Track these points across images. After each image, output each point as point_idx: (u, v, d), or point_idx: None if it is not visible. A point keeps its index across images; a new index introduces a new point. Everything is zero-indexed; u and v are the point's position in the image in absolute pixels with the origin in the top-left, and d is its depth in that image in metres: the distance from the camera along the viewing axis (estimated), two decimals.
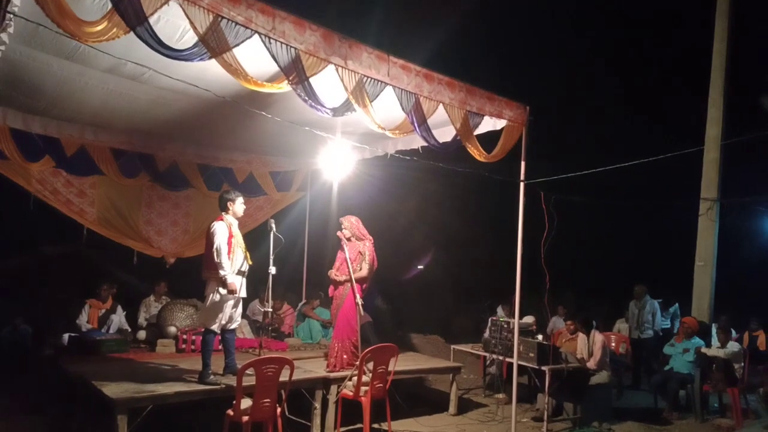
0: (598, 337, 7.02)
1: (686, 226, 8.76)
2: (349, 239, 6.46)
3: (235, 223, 5.53)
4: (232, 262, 5.35)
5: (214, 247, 5.25)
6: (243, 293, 5.52)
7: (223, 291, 5.26)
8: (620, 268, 14.29)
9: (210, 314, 5.38)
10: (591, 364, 6.81)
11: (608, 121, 16.84)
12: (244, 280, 5.51)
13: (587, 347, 6.93)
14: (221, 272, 5.21)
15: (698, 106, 8.69)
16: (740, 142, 7.96)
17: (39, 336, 7.49)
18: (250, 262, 5.56)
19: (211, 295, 5.34)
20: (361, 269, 6.40)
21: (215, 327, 5.39)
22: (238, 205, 5.57)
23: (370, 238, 6.59)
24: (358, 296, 6.25)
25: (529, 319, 8.31)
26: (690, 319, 8.01)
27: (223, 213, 5.53)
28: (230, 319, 5.51)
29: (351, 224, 6.51)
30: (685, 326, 7.83)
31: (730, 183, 8.33)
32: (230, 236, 5.37)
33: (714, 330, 8.24)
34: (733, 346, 7.51)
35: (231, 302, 5.42)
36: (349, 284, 6.32)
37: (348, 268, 6.24)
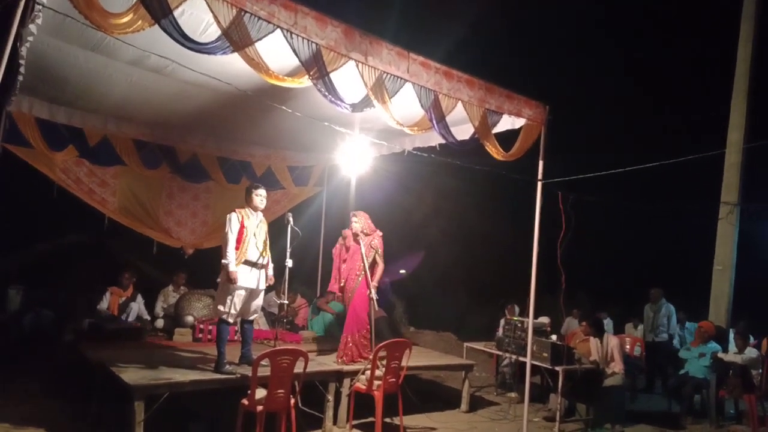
0: (613, 340, 6.94)
1: (704, 230, 8.67)
2: (357, 234, 6.51)
3: (253, 215, 5.58)
4: (242, 252, 5.40)
5: (222, 235, 5.37)
6: (262, 285, 5.58)
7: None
8: (636, 271, 14.15)
9: (220, 301, 5.47)
10: (616, 368, 6.72)
11: (629, 123, 16.68)
12: (262, 272, 5.55)
13: (599, 351, 6.88)
14: (223, 260, 5.31)
15: (720, 109, 8.59)
16: (762, 146, 7.84)
17: (60, 322, 7.63)
18: (267, 254, 5.60)
19: (222, 283, 5.46)
20: (377, 263, 6.45)
21: (227, 317, 5.45)
22: (255, 198, 5.60)
23: (380, 232, 6.64)
24: (373, 292, 6.29)
25: (544, 319, 8.27)
26: (707, 323, 7.92)
27: (245, 205, 5.61)
28: (248, 311, 5.59)
29: (362, 218, 6.56)
30: (701, 330, 7.73)
31: (751, 187, 8.23)
32: (242, 227, 5.43)
33: (732, 335, 8.13)
34: (750, 352, 7.40)
35: (244, 293, 5.47)
36: (359, 278, 6.39)
37: (363, 262, 6.28)
